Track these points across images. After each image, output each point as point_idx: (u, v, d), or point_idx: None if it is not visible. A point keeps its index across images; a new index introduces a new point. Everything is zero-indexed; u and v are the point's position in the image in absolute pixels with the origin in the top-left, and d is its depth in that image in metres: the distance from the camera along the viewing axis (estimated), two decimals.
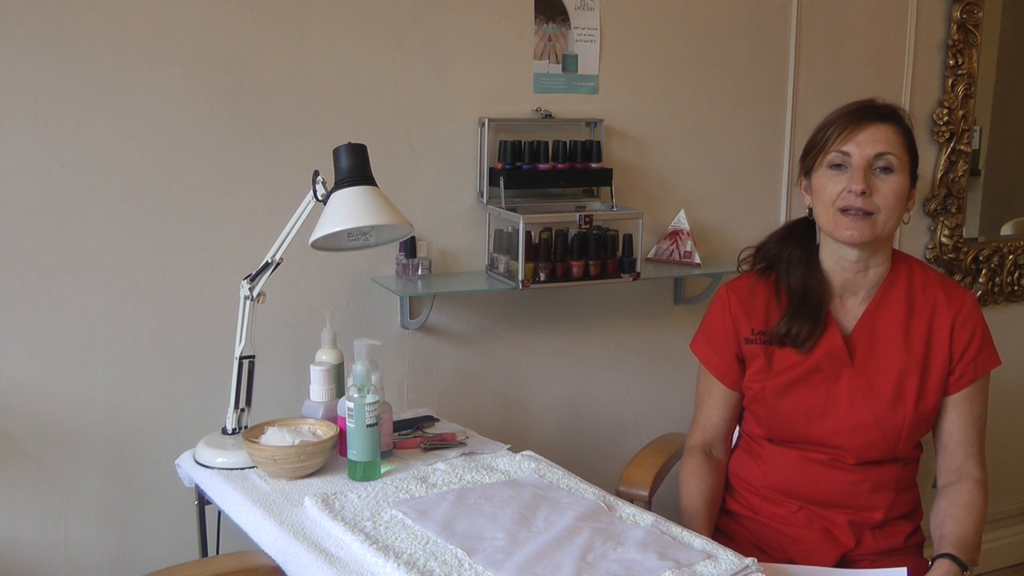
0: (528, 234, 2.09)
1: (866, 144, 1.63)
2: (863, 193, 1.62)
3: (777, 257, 1.78)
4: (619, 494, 1.83)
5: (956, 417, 1.72)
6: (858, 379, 1.69)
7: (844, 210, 1.64)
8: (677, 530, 1.45)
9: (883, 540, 1.73)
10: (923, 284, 1.74)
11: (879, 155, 1.62)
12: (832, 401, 1.70)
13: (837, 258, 1.72)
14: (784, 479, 1.75)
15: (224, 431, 1.79)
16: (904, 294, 1.72)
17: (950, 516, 1.67)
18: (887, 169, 1.63)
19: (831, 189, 1.66)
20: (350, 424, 1.64)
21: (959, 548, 1.61)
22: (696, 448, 1.83)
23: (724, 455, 1.86)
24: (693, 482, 1.79)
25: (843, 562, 1.72)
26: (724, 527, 1.83)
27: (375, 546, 1.37)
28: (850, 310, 1.74)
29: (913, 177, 1.68)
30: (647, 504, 1.93)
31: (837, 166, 1.66)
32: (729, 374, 1.80)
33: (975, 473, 1.71)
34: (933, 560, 1.62)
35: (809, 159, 1.72)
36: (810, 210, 1.75)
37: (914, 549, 1.77)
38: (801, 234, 1.79)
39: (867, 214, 1.63)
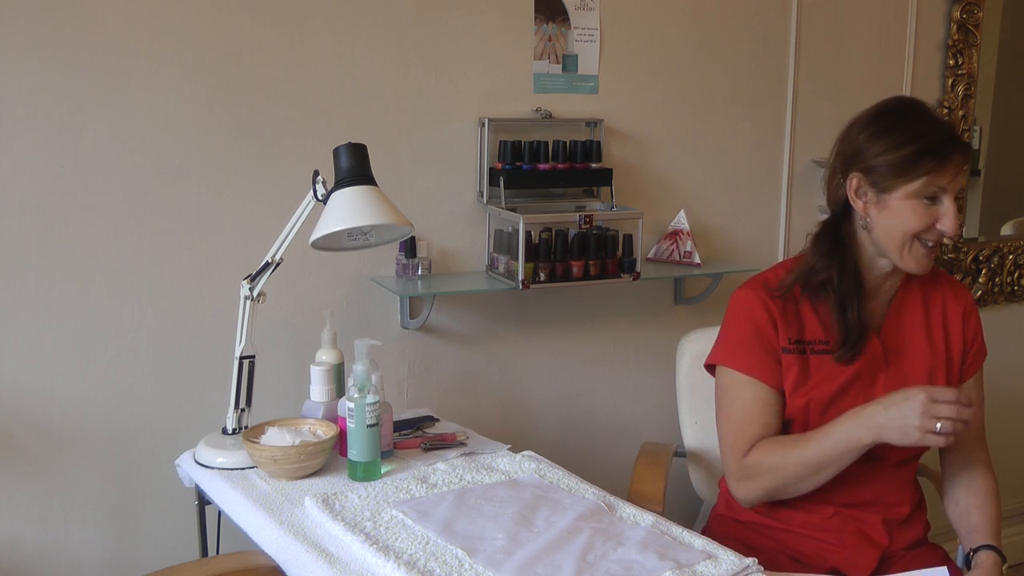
0: (528, 234, 2.09)
1: (958, 182, 1.60)
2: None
3: (825, 280, 1.67)
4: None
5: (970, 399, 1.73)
6: (893, 381, 1.67)
7: (928, 244, 1.61)
8: (677, 530, 1.45)
9: (910, 534, 1.75)
10: (931, 281, 1.76)
11: (962, 188, 1.65)
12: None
13: (872, 266, 1.69)
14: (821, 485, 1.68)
15: (224, 431, 1.79)
16: (919, 293, 1.74)
17: (974, 506, 1.70)
18: (956, 199, 1.62)
19: (917, 221, 1.59)
20: (350, 424, 1.64)
21: (994, 537, 1.66)
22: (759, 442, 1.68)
23: None
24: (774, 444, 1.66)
25: (882, 561, 1.71)
26: (755, 543, 1.74)
27: (375, 546, 1.37)
28: (874, 311, 1.72)
29: None
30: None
31: (931, 198, 1.59)
32: (774, 375, 1.68)
33: (983, 457, 1.76)
34: (974, 552, 1.65)
35: (888, 178, 1.60)
36: (835, 212, 1.68)
37: (928, 540, 1.81)
38: (836, 240, 1.69)
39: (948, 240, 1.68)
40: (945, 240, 1.64)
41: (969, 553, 1.67)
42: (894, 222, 1.60)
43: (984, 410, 1.80)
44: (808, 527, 1.73)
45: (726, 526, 1.81)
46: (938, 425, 1.46)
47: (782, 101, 2.57)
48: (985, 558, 1.63)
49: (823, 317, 1.68)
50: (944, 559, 1.73)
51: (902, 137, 1.59)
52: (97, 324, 1.94)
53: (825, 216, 1.73)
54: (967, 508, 1.70)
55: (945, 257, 2.88)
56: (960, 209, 2.86)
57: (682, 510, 2.30)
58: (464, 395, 2.30)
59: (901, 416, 1.48)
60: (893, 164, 1.58)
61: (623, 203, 2.33)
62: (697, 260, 2.36)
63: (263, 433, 1.70)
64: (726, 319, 1.74)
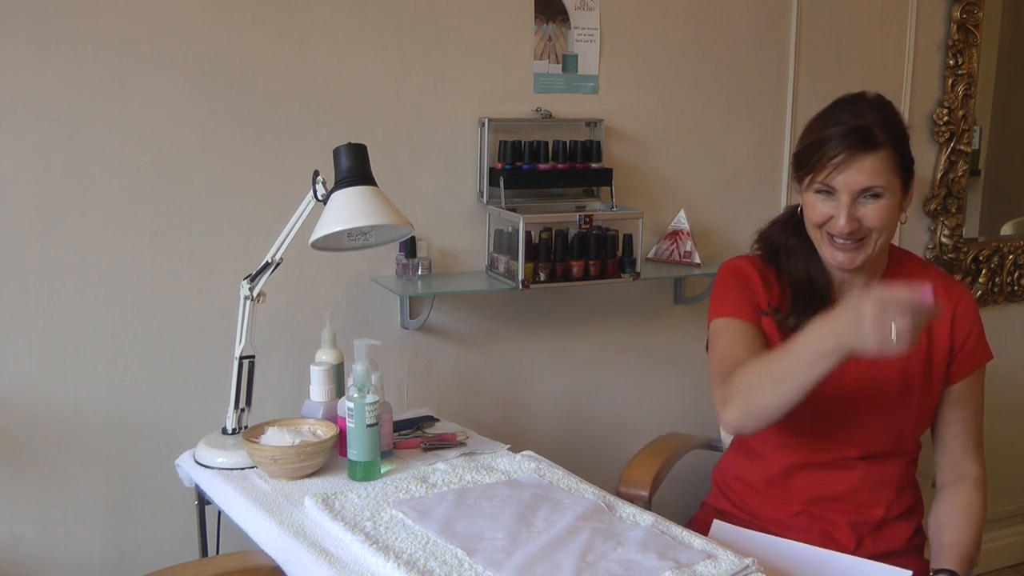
0: (528, 234, 2.09)
1: (854, 181, 1.56)
2: (851, 232, 1.58)
3: (776, 244, 1.73)
4: (619, 494, 1.82)
5: (955, 409, 1.71)
6: (864, 375, 1.67)
7: (836, 240, 1.61)
8: (677, 530, 1.45)
9: (883, 542, 1.71)
10: (923, 277, 1.66)
11: (866, 188, 1.56)
12: (840, 395, 1.67)
13: (830, 264, 1.68)
14: (785, 476, 1.74)
15: (224, 431, 1.79)
16: (905, 280, 1.69)
17: (950, 523, 1.65)
18: (876, 196, 1.57)
19: (819, 210, 1.61)
20: (350, 424, 1.64)
21: (959, 562, 1.60)
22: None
23: None
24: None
25: None
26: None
27: (375, 546, 1.37)
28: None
29: (907, 183, 1.62)
30: (647, 504, 1.93)
31: (824, 192, 1.60)
32: (756, 318, 1.70)
33: (973, 472, 1.70)
34: (933, 573, 1.61)
35: (796, 169, 1.66)
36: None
37: (915, 551, 1.76)
38: (799, 221, 1.72)
39: (859, 241, 1.60)
40: (849, 238, 1.58)
41: (930, 574, 1.64)
42: (806, 215, 1.65)
43: (982, 419, 1.74)
44: (773, 523, 1.74)
45: (706, 515, 1.85)
46: (893, 331, 1.32)
47: (782, 101, 2.57)
48: None
49: (789, 299, 1.71)
50: (924, 573, 1.68)
51: (809, 129, 1.65)
52: (97, 324, 1.94)
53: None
54: (944, 525, 1.66)
55: (945, 257, 2.88)
56: (960, 209, 2.87)
57: None
58: (464, 395, 2.30)
59: (857, 319, 1.35)
60: (796, 156, 1.66)
61: (623, 203, 2.33)
62: (697, 260, 2.36)
63: (263, 433, 1.70)
64: (714, 283, 1.79)
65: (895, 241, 2.80)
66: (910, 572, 1.54)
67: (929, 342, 1.69)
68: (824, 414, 1.69)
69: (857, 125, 1.56)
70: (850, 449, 1.69)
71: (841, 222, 1.57)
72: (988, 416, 1.91)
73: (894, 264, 1.73)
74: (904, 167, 1.60)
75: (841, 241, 1.60)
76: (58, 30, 1.82)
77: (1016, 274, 3.04)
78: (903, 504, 1.74)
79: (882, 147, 1.55)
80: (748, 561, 1.35)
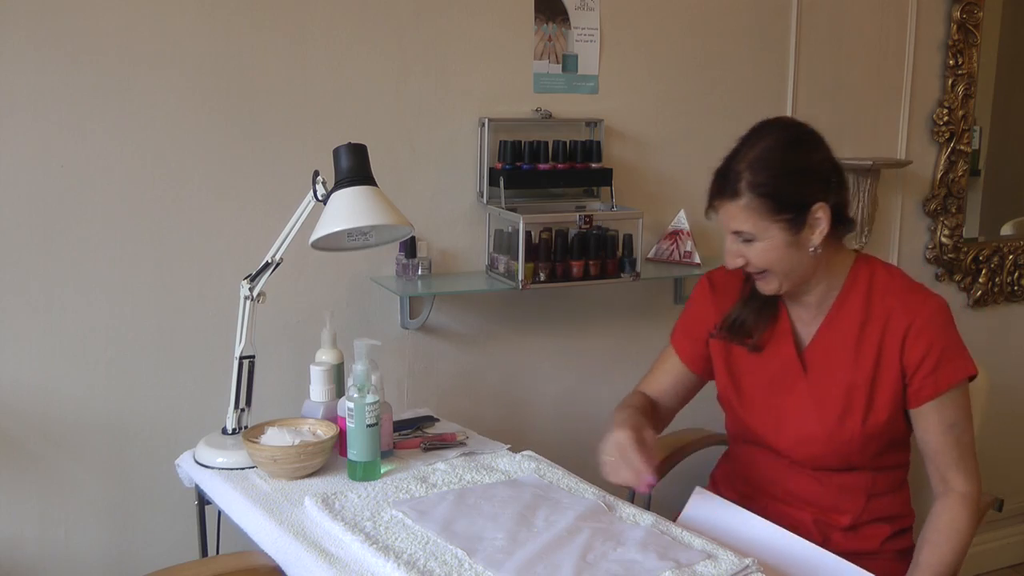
0: (528, 234, 2.09)
1: (724, 222, 1.60)
2: (736, 268, 1.62)
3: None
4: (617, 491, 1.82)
5: (926, 428, 1.62)
6: (810, 392, 1.65)
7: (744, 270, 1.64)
8: (677, 530, 1.45)
9: (855, 542, 1.67)
10: (883, 293, 1.63)
11: (736, 232, 1.58)
12: (785, 412, 1.68)
13: None
14: (749, 475, 1.76)
15: (224, 431, 1.79)
16: (861, 306, 1.64)
17: (928, 540, 1.61)
18: (748, 240, 1.57)
19: (725, 243, 1.64)
20: (350, 424, 1.64)
21: None
22: (644, 393, 1.83)
23: (670, 412, 1.85)
24: (635, 402, 1.78)
25: None
26: None
27: (375, 546, 1.37)
28: (807, 321, 1.69)
29: (797, 220, 1.55)
30: (647, 499, 1.93)
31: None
32: (696, 360, 1.80)
33: (959, 486, 1.62)
34: None
35: None
36: None
37: (892, 555, 1.70)
38: None
39: (761, 272, 1.61)
40: (747, 271, 1.62)
41: None
42: None
43: (968, 436, 1.63)
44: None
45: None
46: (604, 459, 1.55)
47: (782, 101, 2.57)
48: None
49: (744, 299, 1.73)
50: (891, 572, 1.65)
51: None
52: (97, 324, 1.94)
53: None
54: (923, 541, 1.61)
55: (945, 257, 2.88)
56: (960, 209, 2.87)
57: None
58: (464, 395, 2.30)
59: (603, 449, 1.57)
60: None
61: (623, 203, 2.33)
62: (697, 260, 2.35)
63: (263, 433, 1.70)
64: (688, 299, 1.86)
65: (895, 243, 2.81)
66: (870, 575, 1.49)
67: (878, 364, 1.61)
68: (774, 432, 1.69)
69: (723, 169, 1.60)
70: (802, 460, 1.69)
71: (725, 258, 1.63)
72: (988, 416, 1.91)
73: (852, 281, 1.66)
74: (780, 208, 1.54)
75: (748, 271, 1.63)
76: (58, 30, 1.82)
77: (1016, 274, 3.04)
78: (877, 511, 1.69)
79: (742, 196, 1.55)
80: (748, 561, 1.35)
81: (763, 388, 1.70)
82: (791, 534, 1.55)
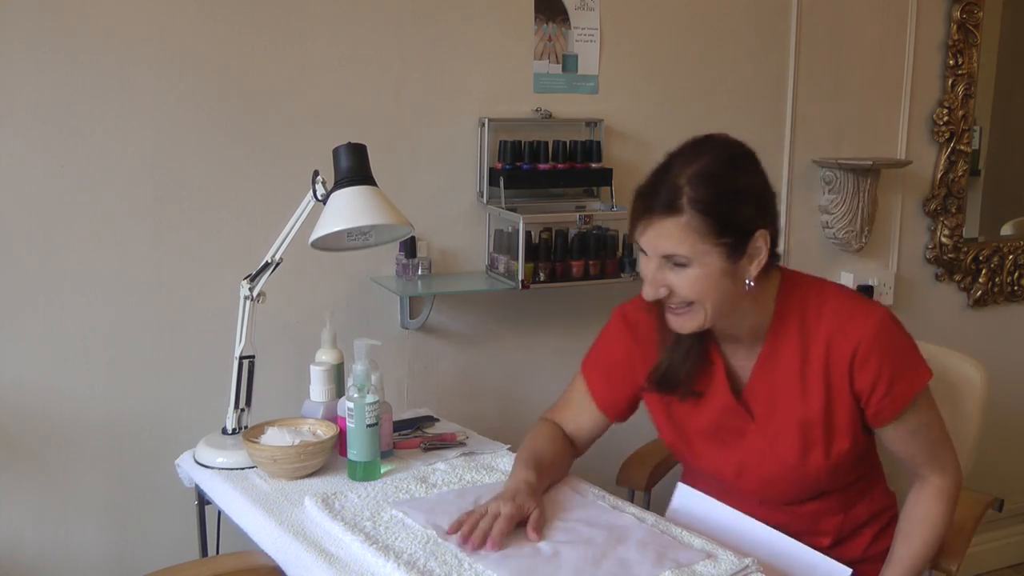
0: (528, 234, 2.09)
1: (652, 244, 1.42)
2: (658, 298, 1.44)
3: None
4: (619, 483, 1.82)
5: (892, 440, 1.55)
6: (762, 434, 1.54)
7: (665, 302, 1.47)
8: (677, 530, 1.45)
9: (836, 555, 1.55)
10: (817, 317, 1.51)
11: (667, 255, 1.41)
12: (743, 457, 1.57)
13: None
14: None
15: (224, 431, 1.79)
16: (797, 336, 1.51)
17: (902, 532, 1.57)
18: (680, 264, 1.41)
19: (641, 267, 1.47)
20: (350, 424, 1.64)
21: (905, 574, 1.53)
22: (555, 423, 1.72)
23: (583, 448, 1.73)
24: (542, 440, 1.64)
25: None
26: None
27: (375, 546, 1.37)
28: (743, 355, 1.56)
29: (736, 247, 1.41)
30: (645, 499, 1.93)
31: (641, 251, 1.47)
32: (616, 410, 1.69)
33: (936, 481, 1.56)
34: None
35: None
36: None
37: (878, 557, 1.63)
38: None
39: (686, 306, 1.44)
40: (671, 304, 1.44)
41: None
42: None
43: (938, 432, 1.56)
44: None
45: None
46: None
47: (782, 101, 2.57)
48: None
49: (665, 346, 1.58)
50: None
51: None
52: (97, 324, 1.94)
53: None
54: (897, 532, 1.57)
55: (945, 257, 2.88)
56: (960, 209, 2.87)
57: None
58: (464, 395, 2.30)
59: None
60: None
61: (623, 203, 2.33)
62: None
63: (263, 433, 1.70)
64: (606, 326, 1.72)
65: (893, 244, 2.80)
66: (849, 571, 1.46)
67: (827, 399, 1.50)
68: (735, 478, 1.59)
69: (654, 183, 1.43)
70: (771, 499, 1.59)
71: (644, 287, 1.45)
72: (987, 416, 1.91)
73: (782, 309, 1.52)
74: (723, 231, 1.39)
75: (672, 305, 1.46)
76: (58, 30, 1.82)
77: (1016, 274, 3.04)
78: (857, 519, 1.63)
79: (682, 212, 1.38)
80: (748, 561, 1.35)
81: (712, 436, 1.58)
82: (774, 531, 1.51)
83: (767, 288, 1.51)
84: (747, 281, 1.44)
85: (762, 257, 1.43)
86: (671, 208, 1.39)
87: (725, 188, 1.40)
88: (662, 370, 1.57)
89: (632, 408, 1.71)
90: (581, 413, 1.71)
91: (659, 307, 1.51)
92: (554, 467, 1.61)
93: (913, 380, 1.50)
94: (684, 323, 1.46)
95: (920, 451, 1.55)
